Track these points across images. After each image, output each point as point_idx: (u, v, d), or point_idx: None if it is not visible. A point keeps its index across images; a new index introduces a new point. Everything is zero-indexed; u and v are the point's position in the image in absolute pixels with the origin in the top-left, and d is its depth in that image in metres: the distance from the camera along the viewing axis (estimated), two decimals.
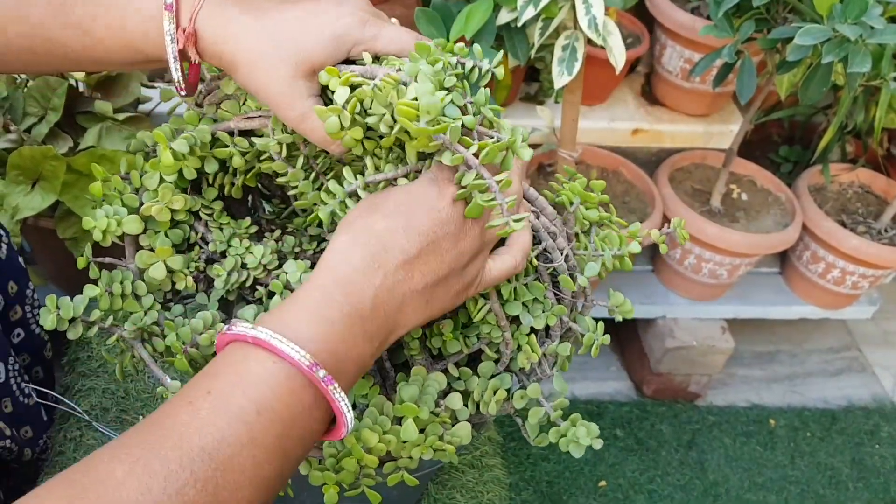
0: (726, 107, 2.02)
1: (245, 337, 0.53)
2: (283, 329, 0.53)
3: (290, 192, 0.75)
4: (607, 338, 0.72)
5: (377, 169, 0.65)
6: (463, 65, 0.64)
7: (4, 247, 1.00)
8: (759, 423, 2.14)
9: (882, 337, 2.45)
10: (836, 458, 2.09)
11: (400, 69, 0.62)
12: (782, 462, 2.05)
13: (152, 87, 1.42)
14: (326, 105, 0.63)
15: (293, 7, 0.64)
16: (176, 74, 0.65)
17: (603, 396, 2.13)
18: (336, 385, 0.53)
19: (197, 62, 0.64)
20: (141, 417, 1.02)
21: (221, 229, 0.76)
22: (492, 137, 0.62)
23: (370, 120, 0.62)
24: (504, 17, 1.20)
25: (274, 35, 0.62)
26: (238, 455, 0.49)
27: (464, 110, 0.61)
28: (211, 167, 0.73)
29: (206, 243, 0.76)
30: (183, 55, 0.63)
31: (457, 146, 0.58)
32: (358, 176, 0.65)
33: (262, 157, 0.73)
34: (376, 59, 0.65)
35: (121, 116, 1.33)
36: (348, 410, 0.55)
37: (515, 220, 0.60)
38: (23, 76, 1.34)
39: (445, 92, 0.59)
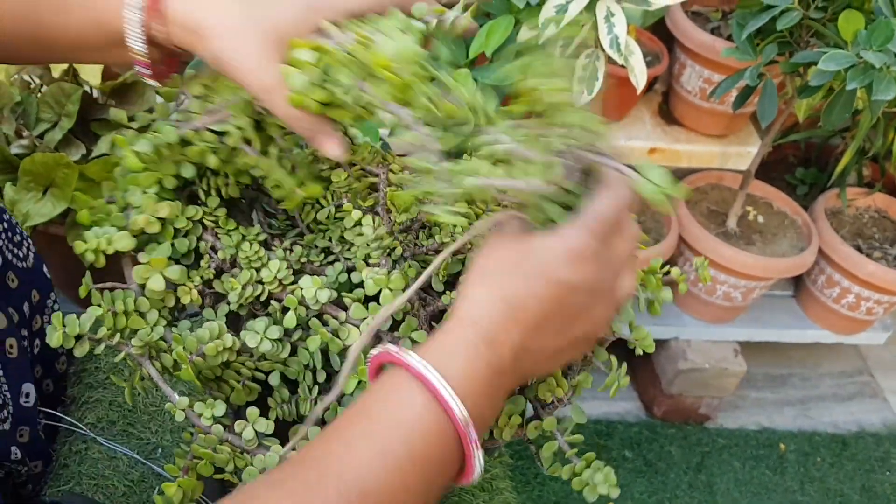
0: (744, 128, 2.01)
1: (411, 369, 0.53)
2: (444, 372, 0.53)
3: (269, 184, 0.74)
4: (626, 380, 0.71)
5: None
6: (427, 22, 0.62)
7: (31, 255, 0.99)
8: (769, 447, 2.12)
9: (895, 363, 2.42)
10: (845, 484, 2.07)
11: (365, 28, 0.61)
12: (792, 487, 2.03)
13: None
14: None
15: None
16: (137, 45, 0.63)
17: (612, 416, 2.11)
18: (480, 449, 0.54)
19: (164, 37, 0.63)
20: (148, 431, 1.01)
21: (230, 235, 0.75)
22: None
23: (337, 90, 0.61)
24: (525, 34, 1.18)
25: (244, 5, 0.61)
26: (391, 502, 0.50)
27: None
28: (188, 171, 0.72)
29: (216, 252, 0.75)
30: (150, 34, 0.62)
31: None
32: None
33: (235, 153, 0.72)
34: None
35: (135, 124, 1.32)
36: (480, 468, 0.55)
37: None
38: (37, 81, 1.34)
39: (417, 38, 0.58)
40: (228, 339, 0.70)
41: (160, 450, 0.99)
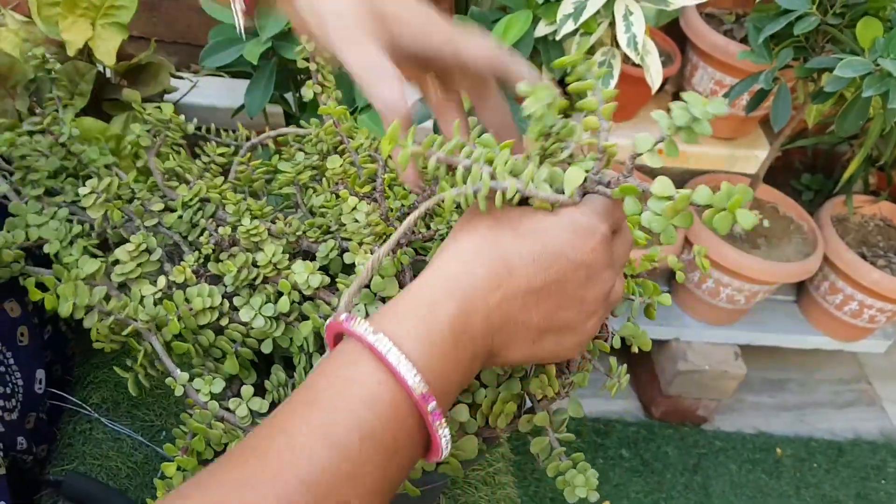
0: (752, 131, 2.01)
1: (361, 339, 0.47)
2: (397, 339, 0.47)
3: None
4: (626, 379, 0.70)
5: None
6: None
7: None
8: (766, 451, 2.12)
9: (893, 371, 2.43)
10: (841, 491, 2.07)
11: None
12: (787, 492, 2.03)
13: (180, 77, 1.41)
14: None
15: None
16: None
17: (611, 415, 2.11)
18: (442, 421, 0.48)
19: None
20: (153, 413, 1.01)
21: (236, 205, 0.77)
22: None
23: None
24: (542, 29, 1.18)
25: None
26: (339, 488, 0.44)
27: None
28: None
29: (217, 226, 0.76)
30: None
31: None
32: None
33: None
34: None
35: (148, 106, 1.31)
36: (447, 443, 0.49)
37: None
38: (51, 59, 1.33)
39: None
40: (217, 298, 0.71)
41: (164, 433, 0.99)
